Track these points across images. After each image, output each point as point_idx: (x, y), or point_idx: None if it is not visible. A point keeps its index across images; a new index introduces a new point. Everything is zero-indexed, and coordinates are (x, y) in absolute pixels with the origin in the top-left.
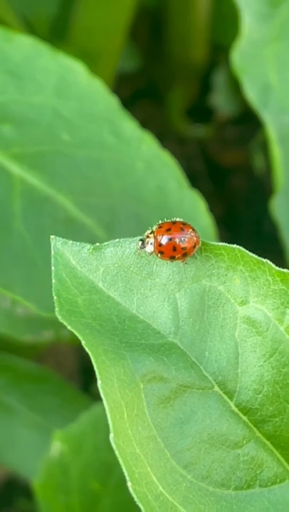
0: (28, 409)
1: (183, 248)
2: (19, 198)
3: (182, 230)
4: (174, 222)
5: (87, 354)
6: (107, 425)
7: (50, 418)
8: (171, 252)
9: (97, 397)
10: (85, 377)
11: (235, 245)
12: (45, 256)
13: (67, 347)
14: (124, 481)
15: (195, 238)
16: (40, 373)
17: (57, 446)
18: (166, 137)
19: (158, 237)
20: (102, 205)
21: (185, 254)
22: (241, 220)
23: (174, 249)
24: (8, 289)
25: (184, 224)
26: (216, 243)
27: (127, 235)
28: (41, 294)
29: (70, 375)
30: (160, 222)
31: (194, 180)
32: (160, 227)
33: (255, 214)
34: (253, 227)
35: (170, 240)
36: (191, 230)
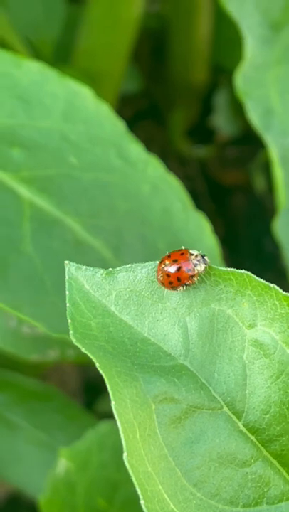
0: (32, 426)
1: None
2: (28, 220)
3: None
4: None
5: (90, 373)
6: (113, 443)
7: (55, 435)
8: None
9: (100, 415)
10: (88, 396)
11: (243, 270)
12: (54, 277)
13: (71, 366)
14: (129, 498)
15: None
16: (44, 391)
17: (63, 463)
18: (167, 157)
19: None
20: (109, 227)
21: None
22: (242, 239)
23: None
24: (17, 310)
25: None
26: (225, 268)
27: (133, 256)
28: (50, 314)
29: (74, 393)
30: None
31: (195, 199)
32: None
33: (255, 233)
34: (254, 246)
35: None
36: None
